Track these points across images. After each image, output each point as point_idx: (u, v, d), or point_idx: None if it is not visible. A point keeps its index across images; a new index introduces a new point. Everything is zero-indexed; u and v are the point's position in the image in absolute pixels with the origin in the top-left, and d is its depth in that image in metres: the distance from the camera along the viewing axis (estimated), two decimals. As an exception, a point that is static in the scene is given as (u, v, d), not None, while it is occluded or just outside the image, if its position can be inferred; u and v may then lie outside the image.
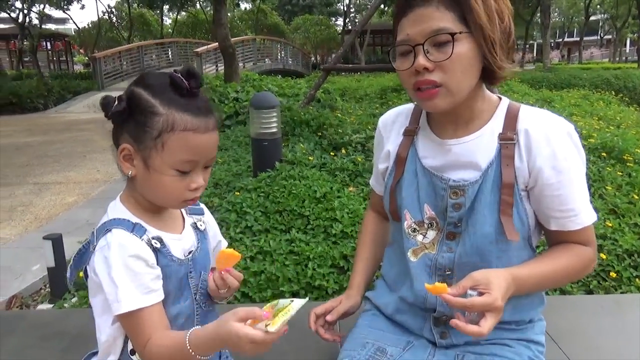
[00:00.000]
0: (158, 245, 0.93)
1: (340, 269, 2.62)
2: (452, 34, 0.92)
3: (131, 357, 0.94)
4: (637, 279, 2.49)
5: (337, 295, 2.43)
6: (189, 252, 1.01)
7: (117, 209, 0.96)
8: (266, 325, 0.79)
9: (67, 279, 1.00)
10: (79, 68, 31.32)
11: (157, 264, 0.92)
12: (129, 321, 0.89)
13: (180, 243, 0.99)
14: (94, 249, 0.90)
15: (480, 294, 0.91)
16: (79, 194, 5.10)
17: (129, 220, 0.93)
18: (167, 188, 0.91)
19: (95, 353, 1.00)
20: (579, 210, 1.00)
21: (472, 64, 0.96)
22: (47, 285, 2.99)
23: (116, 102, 0.90)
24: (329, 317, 1.22)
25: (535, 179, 0.99)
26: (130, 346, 0.94)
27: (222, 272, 1.00)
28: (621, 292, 2.40)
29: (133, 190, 0.97)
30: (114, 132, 0.94)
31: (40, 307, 2.80)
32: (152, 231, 0.94)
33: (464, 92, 0.98)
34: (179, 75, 0.88)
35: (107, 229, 0.90)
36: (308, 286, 2.50)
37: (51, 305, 2.71)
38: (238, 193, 3.38)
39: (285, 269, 2.58)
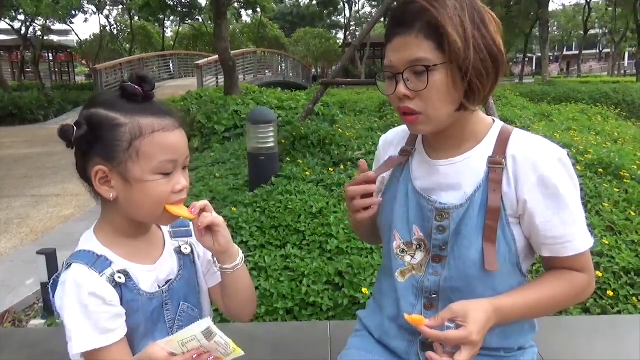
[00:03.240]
0: (122, 279, 0.90)
1: (335, 286, 2.60)
2: (427, 67, 0.93)
3: None
4: (634, 297, 2.47)
5: (332, 313, 2.44)
6: (166, 282, 0.98)
7: (87, 240, 0.94)
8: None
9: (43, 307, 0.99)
10: (80, 79, 31.51)
11: (122, 300, 0.89)
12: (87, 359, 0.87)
13: (153, 274, 0.96)
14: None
15: (458, 326, 0.91)
16: (76, 206, 5.10)
17: (93, 253, 0.90)
18: (154, 195, 0.88)
19: None
20: (572, 237, 0.98)
21: (449, 92, 0.95)
22: (40, 300, 2.97)
23: (75, 128, 0.87)
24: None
25: (524, 207, 0.98)
26: None
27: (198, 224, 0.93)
28: (618, 311, 2.38)
29: (110, 217, 0.94)
30: (79, 163, 0.91)
31: (33, 322, 2.78)
32: (119, 264, 0.92)
33: (443, 119, 0.98)
34: (130, 83, 0.88)
35: (69, 263, 0.89)
36: (302, 303, 2.49)
37: (43, 321, 2.69)
38: (234, 208, 3.38)
39: (280, 285, 2.57)
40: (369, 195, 1.06)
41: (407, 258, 1.10)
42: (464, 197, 1.01)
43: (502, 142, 1.02)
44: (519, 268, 1.03)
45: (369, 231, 1.25)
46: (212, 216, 0.93)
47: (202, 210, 0.93)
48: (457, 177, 1.03)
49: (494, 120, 1.09)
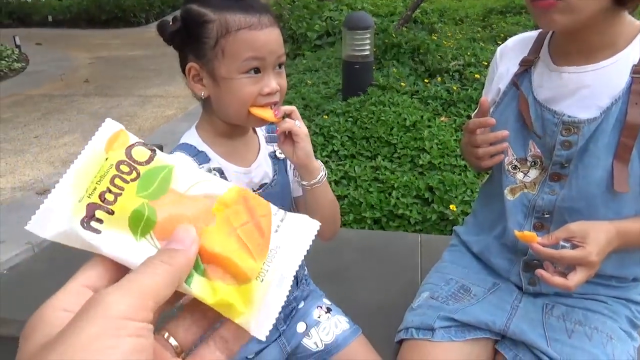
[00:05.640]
0: (217, 176, 0.92)
1: (424, 201, 2.58)
2: None
3: None
4: None
5: (419, 227, 2.44)
6: (261, 186, 0.98)
7: (189, 135, 0.96)
8: None
9: None
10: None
11: None
12: None
13: (247, 177, 0.96)
14: None
15: (574, 246, 0.85)
16: (177, 107, 5.39)
17: (195, 147, 0.92)
18: (240, 95, 0.86)
19: None
20: None
21: None
22: (150, 191, 3.28)
23: (171, 23, 0.87)
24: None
25: None
26: None
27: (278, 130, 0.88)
28: None
29: (208, 115, 0.95)
30: (180, 59, 0.91)
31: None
32: (215, 161, 0.93)
33: (585, 12, 0.84)
34: None
35: (171, 152, 0.91)
36: (390, 214, 2.51)
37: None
38: (326, 117, 3.37)
39: (369, 195, 2.59)
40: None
41: (519, 175, 1.03)
42: (598, 110, 0.90)
43: None
44: (649, 193, 0.93)
45: None
46: (294, 124, 0.88)
47: (288, 115, 0.89)
48: (591, 87, 0.92)
49: (644, 24, 0.93)
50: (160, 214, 0.33)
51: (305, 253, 0.35)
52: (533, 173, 1.01)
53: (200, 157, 0.91)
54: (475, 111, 1.02)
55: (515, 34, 1.13)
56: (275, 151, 1.03)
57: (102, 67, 7.65)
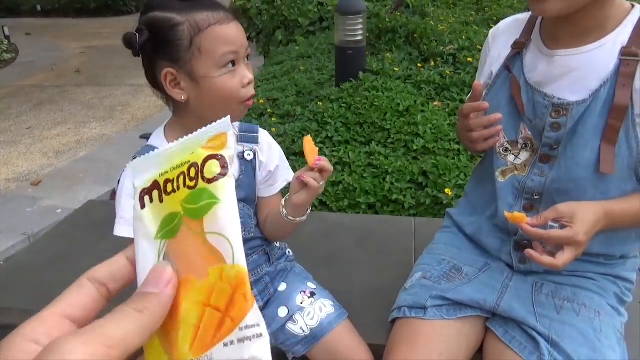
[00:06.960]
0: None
1: (418, 185, 2.60)
2: None
3: None
4: None
5: (413, 211, 2.46)
6: None
7: (155, 136, 0.98)
8: None
9: None
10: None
11: None
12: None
13: None
14: None
15: (563, 226, 0.87)
16: (170, 96, 5.37)
17: (155, 148, 0.93)
18: (224, 89, 0.89)
19: None
20: None
21: None
22: (145, 181, 3.28)
23: (138, 35, 0.87)
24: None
25: None
26: None
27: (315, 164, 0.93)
28: None
29: (181, 116, 0.96)
30: (147, 70, 0.92)
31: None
32: None
33: None
34: None
35: (134, 156, 0.93)
36: (384, 199, 2.52)
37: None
38: (320, 103, 3.37)
39: (363, 181, 2.61)
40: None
41: (510, 157, 1.04)
42: (587, 92, 0.92)
43: None
44: (636, 174, 0.95)
45: None
46: (316, 181, 0.91)
47: (321, 171, 0.93)
48: (580, 69, 0.93)
49: (632, 6, 0.94)
50: (180, 234, 0.32)
51: None
52: (524, 155, 1.03)
53: None
54: (469, 95, 1.03)
55: (508, 17, 1.14)
56: (244, 152, 1.03)
57: (93, 56, 7.58)
